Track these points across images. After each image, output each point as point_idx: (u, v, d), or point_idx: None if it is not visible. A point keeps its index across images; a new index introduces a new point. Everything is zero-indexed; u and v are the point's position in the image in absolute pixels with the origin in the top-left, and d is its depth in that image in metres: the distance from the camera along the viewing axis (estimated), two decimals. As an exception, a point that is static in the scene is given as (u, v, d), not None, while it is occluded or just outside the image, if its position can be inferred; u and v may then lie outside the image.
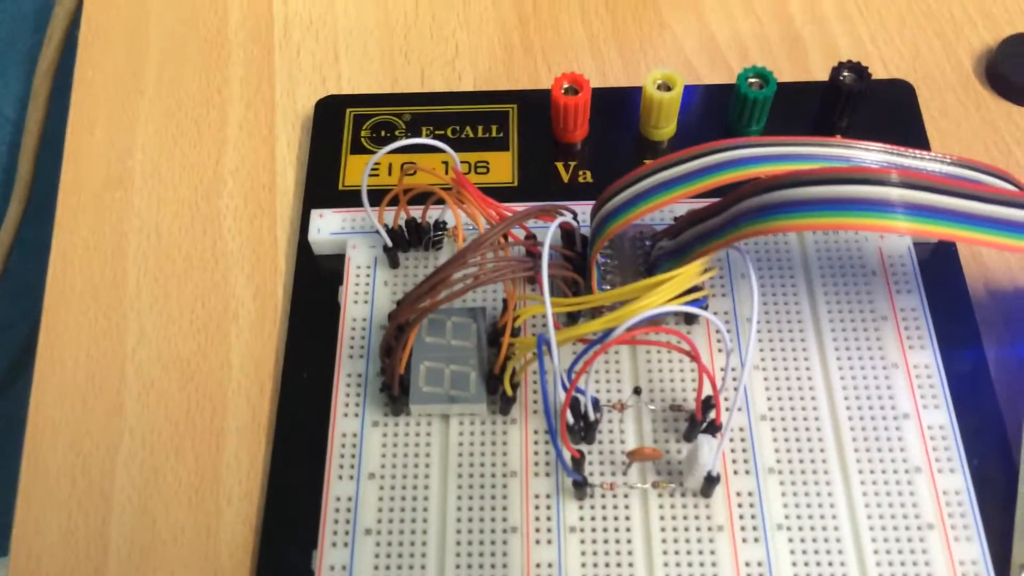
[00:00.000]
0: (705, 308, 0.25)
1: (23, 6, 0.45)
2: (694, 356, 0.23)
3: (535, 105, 0.32)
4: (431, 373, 0.26)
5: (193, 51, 0.35)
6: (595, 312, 0.26)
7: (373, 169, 0.31)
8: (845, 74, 0.30)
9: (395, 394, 0.25)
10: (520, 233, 0.27)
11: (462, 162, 0.31)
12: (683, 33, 0.35)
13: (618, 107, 0.32)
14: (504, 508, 0.24)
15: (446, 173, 0.31)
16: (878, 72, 0.34)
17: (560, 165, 0.31)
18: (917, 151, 0.23)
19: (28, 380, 0.70)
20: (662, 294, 0.23)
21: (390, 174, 0.31)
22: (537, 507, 0.24)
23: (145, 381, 0.29)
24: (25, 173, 0.45)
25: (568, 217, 0.26)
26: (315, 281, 0.29)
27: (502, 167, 0.31)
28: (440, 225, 0.28)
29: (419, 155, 0.31)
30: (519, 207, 0.29)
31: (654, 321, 0.25)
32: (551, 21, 0.36)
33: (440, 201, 0.27)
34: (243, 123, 0.34)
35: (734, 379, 0.25)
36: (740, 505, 0.24)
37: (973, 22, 0.35)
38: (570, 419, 0.24)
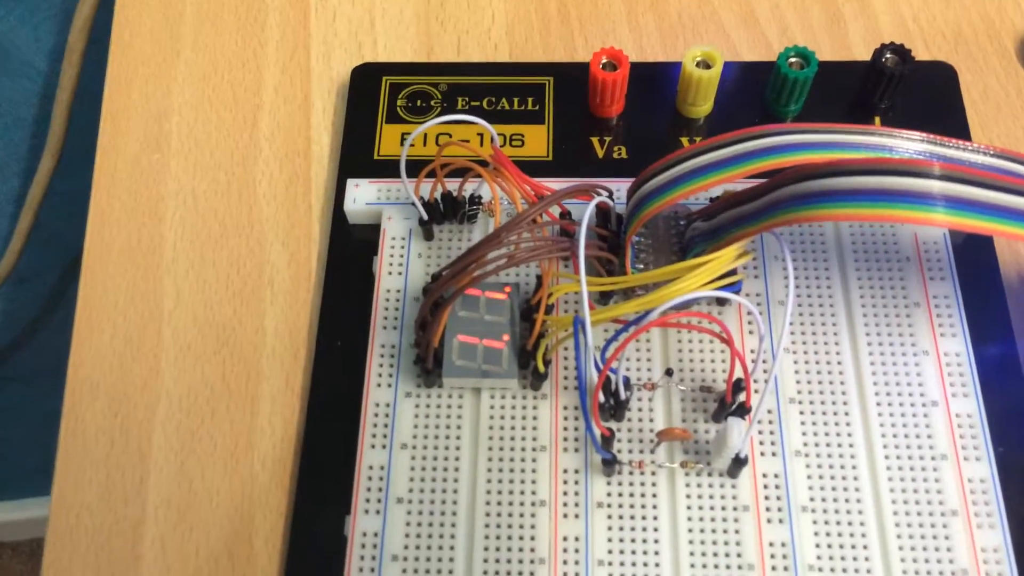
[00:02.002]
0: (739, 292, 0.25)
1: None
2: (728, 341, 0.23)
3: (571, 78, 0.32)
4: (464, 347, 0.26)
5: (229, 13, 0.35)
6: (627, 292, 0.27)
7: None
8: (888, 56, 0.29)
9: (429, 368, 0.26)
10: (555, 210, 0.28)
11: (497, 135, 0.31)
12: (722, 5, 0.35)
13: (655, 82, 0.32)
14: (533, 482, 0.25)
15: (481, 145, 0.31)
16: (919, 52, 0.33)
17: (595, 140, 0.31)
18: (960, 141, 0.23)
19: (55, 327, 0.71)
20: (698, 278, 0.23)
21: (425, 145, 0.31)
22: (565, 482, 0.25)
23: (181, 344, 0.29)
24: (58, 128, 0.45)
25: (605, 196, 0.26)
26: (349, 250, 0.30)
27: (537, 141, 0.31)
28: (475, 199, 0.28)
29: (455, 126, 0.31)
30: (555, 183, 0.29)
31: (686, 302, 0.26)
32: (589, -9, 0.36)
33: (477, 174, 0.27)
34: (279, 88, 0.34)
35: (764, 362, 0.25)
36: (766, 486, 0.24)
37: (1018, 3, 0.34)
38: (600, 397, 0.24)
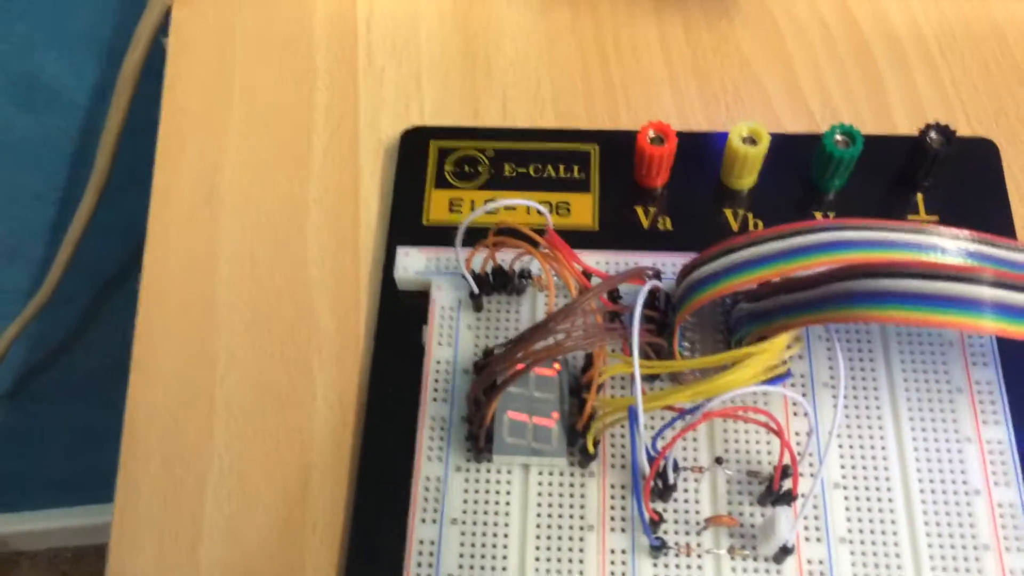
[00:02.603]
0: (788, 379, 0.26)
1: (105, 2, 0.46)
2: (779, 433, 0.23)
3: (617, 146, 0.33)
4: (515, 424, 0.26)
5: (279, 72, 0.36)
6: (674, 373, 0.27)
7: (456, 205, 0.32)
8: (932, 135, 0.30)
9: (481, 446, 0.26)
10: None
11: (543, 202, 0.32)
12: (764, 73, 0.35)
13: (699, 152, 0.32)
14: (581, 561, 0.25)
15: (528, 212, 0.31)
16: (960, 124, 0.34)
17: (640, 210, 0.32)
18: (1011, 242, 0.23)
19: (83, 349, 0.71)
20: (749, 369, 0.24)
21: (472, 209, 0.32)
22: (612, 562, 0.25)
23: (233, 408, 0.30)
24: (102, 167, 0.46)
25: (655, 281, 0.26)
26: (397, 317, 0.30)
27: (583, 210, 0.32)
28: (525, 274, 0.29)
29: (499, 192, 0.32)
30: (602, 255, 0.30)
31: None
32: (632, 55, 0.36)
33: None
34: (327, 149, 0.34)
35: (811, 452, 0.26)
36: (811, 573, 0.25)
37: (1059, 75, 0.35)
38: (649, 480, 0.25)
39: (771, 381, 0.24)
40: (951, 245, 0.23)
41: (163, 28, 0.39)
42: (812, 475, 0.26)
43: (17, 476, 0.86)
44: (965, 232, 0.23)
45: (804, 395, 0.27)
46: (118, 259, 0.63)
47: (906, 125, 0.34)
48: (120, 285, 0.65)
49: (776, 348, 0.24)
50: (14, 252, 0.60)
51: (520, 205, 0.27)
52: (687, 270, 0.26)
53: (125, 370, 0.70)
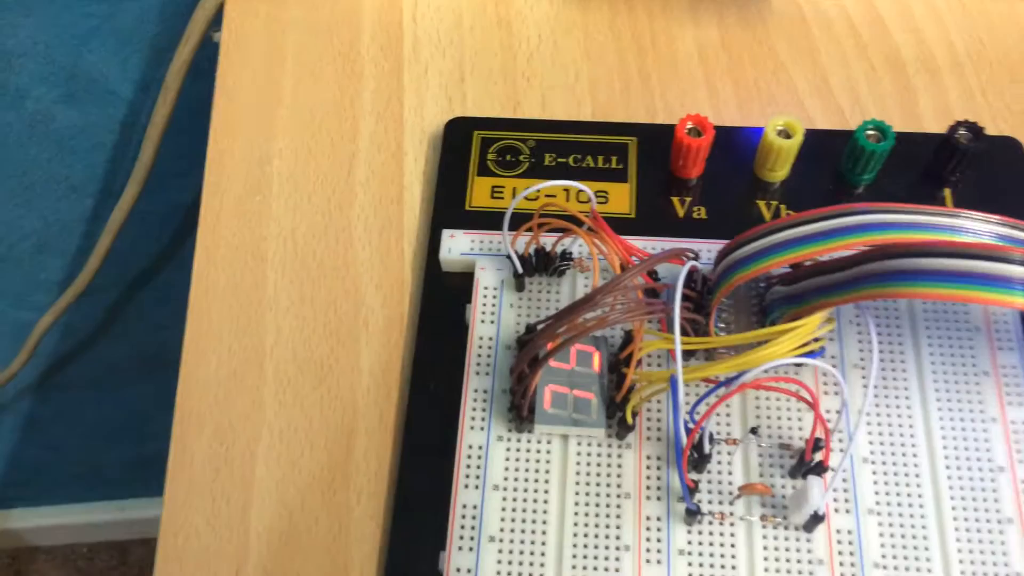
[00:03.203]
0: (822, 356, 0.27)
1: (153, -2, 0.47)
2: (813, 405, 0.24)
3: (653, 139, 0.34)
4: (556, 396, 0.28)
5: (327, 64, 0.37)
6: (710, 350, 0.28)
7: (498, 192, 0.33)
8: (961, 132, 0.31)
9: (524, 415, 0.27)
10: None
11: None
12: (797, 73, 0.37)
13: (734, 146, 0.34)
14: (618, 527, 0.27)
15: (567, 200, 0.33)
16: (986, 123, 0.35)
17: (676, 200, 0.33)
18: (1037, 226, 0.25)
19: (111, 340, 0.72)
20: (786, 344, 0.25)
21: (514, 196, 0.33)
22: (648, 528, 0.26)
23: (282, 379, 0.31)
24: (146, 159, 0.47)
25: (695, 261, 0.28)
26: (441, 295, 0.31)
27: (621, 198, 0.33)
28: (567, 255, 0.30)
29: (540, 180, 0.33)
30: (639, 241, 0.31)
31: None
32: (668, 54, 0.37)
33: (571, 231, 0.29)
34: (373, 136, 0.36)
35: (840, 428, 0.27)
36: (840, 542, 0.26)
37: (1083, 80, 0.36)
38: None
39: (808, 356, 0.25)
40: (982, 228, 0.24)
41: (214, 23, 0.40)
42: (842, 450, 0.27)
43: (38, 468, 0.87)
44: (995, 217, 0.25)
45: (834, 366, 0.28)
46: (149, 252, 0.64)
47: (933, 125, 0.35)
48: (150, 279, 0.66)
49: (811, 326, 0.25)
50: (48, 243, 0.62)
51: (566, 186, 0.28)
52: (725, 251, 0.27)
53: (152, 364, 0.71)
